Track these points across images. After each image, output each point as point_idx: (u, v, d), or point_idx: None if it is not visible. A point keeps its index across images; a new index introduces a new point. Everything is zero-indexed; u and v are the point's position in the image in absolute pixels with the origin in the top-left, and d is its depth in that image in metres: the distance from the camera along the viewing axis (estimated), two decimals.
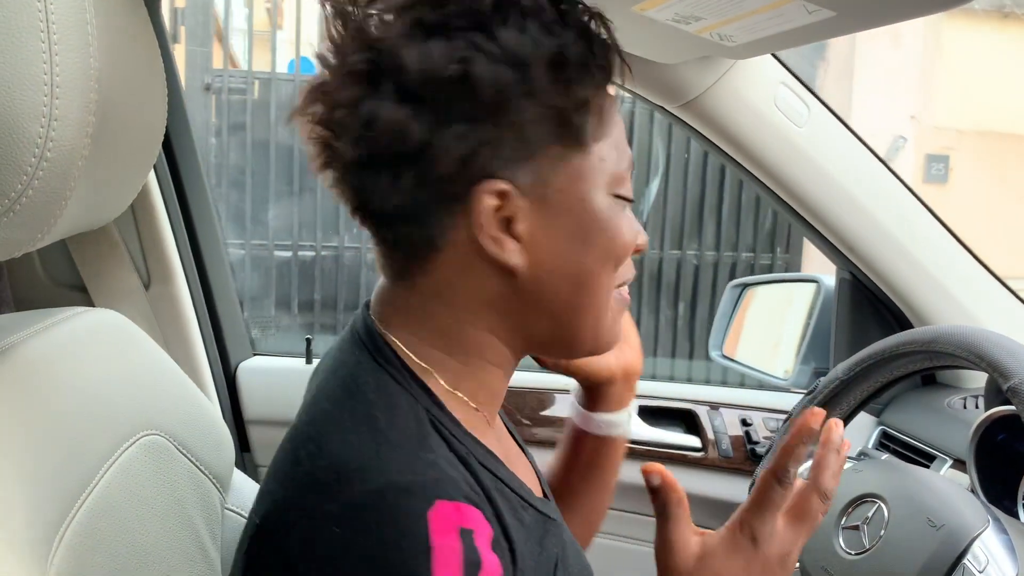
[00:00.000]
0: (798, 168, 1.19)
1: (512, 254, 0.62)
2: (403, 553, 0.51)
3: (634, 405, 0.91)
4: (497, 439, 0.70)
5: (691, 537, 0.66)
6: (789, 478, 0.65)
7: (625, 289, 0.71)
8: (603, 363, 0.83)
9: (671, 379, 3.60)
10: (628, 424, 0.88)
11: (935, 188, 6.01)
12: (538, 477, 0.78)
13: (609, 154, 0.64)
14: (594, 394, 0.86)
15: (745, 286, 1.69)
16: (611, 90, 0.65)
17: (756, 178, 1.25)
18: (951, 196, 5.71)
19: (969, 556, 0.77)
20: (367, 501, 0.53)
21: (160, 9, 1.10)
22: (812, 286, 1.54)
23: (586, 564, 0.73)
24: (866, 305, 1.35)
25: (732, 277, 4.79)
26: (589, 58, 0.62)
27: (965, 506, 0.82)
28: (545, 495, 0.75)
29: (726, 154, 1.23)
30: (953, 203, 5.31)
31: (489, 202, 0.60)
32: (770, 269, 4.81)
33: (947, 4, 0.71)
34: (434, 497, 0.53)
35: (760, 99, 1.14)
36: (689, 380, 4.50)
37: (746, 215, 4.78)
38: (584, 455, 0.88)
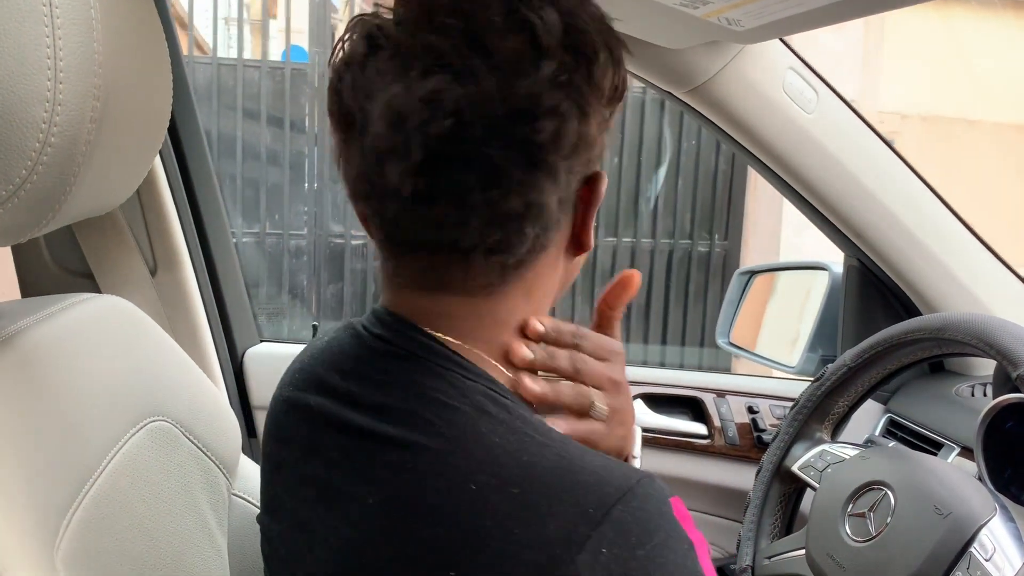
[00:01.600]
0: (806, 154, 1.18)
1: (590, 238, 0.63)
2: (678, 555, 0.49)
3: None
4: None
5: None
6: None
7: None
8: None
9: None
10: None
11: None
12: None
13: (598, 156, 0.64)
14: None
15: (752, 273, 1.68)
16: None
17: (763, 164, 1.24)
18: None
19: (976, 544, 0.77)
20: (625, 509, 0.49)
21: None
22: (820, 273, 1.53)
23: None
24: (874, 292, 1.35)
25: (669, 264, 4.76)
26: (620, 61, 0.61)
27: (972, 494, 0.81)
28: None
29: (733, 140, 1.22)
30: None
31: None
32: (708, 256, 4.76)
33: None
34: (663, 489, 0.52)
35: (768, 84, 1.13)
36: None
37: (683, 202, 4.74)
38: None
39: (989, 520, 0.78)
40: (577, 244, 0.63)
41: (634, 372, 1.57)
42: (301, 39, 4.83)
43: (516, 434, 0.53)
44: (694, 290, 4.82)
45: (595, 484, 0.49)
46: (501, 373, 0.60)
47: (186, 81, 1.25)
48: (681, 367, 4.41)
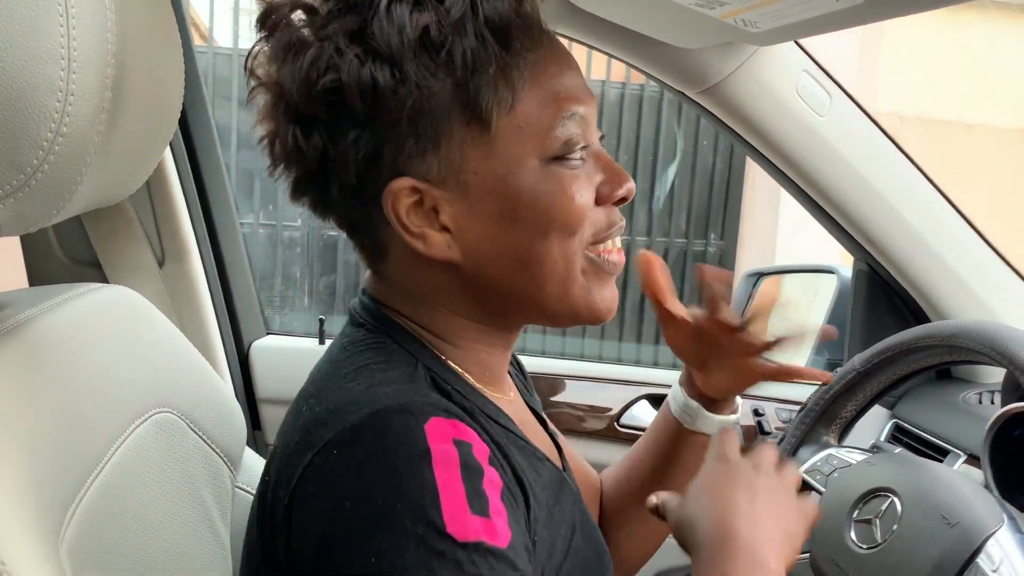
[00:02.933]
0: (818, 157, 1.18)
1: (440, 247, 0.62)
2: (402, 457, 0.52)
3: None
4: (513, 406, 0.71)
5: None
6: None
7: (609, 248, 0.66)
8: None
9: (600, 359, 3.53)
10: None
11: None
12: (559, 451, 0.78)
13: (531, 118, 0.60)
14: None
15: (760, 275, 1.68)
16: (526, 45, 0.61)
17: (774, 166, 1.23)
18: None
19: (983, 555, 0.76)
20: (362, 423, 0.55)
21: None
22: (829, 276, 1.52)
23: (602, 544, 0.73)
24: (883, 297, 1.34)
25: (665, 263, 4.72)
26: (469, 24, 0.58)
27: (980, 503, 0.81)
28: (563, 468, 0.75)
29: (745, 141, 1.22)
30: None
31: (405, 200, 0.60)
32: (703, 256, 4.73)
33: None
34: (429, 414, 0.54)
35: (782, 86, 1.13)
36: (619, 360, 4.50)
37: (680, 201, 4.71)
38: (689, 454, 0.86)
39: (997, 530, 0.77)
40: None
41: (638, 372, 1.57)
42: None
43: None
44: (690, 289, 4.80)
45: (346, 410, 0.57)
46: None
47: (197, 72, 1.24)
48: (674, 367, 4.40)
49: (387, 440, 0.53)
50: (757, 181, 4.77)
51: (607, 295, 0.67)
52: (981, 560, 0.76)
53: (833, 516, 0.90)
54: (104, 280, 1.16)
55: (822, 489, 0.99)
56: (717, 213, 4.76)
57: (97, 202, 0.71)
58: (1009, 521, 0.79)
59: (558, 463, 0.74)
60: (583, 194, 0.63)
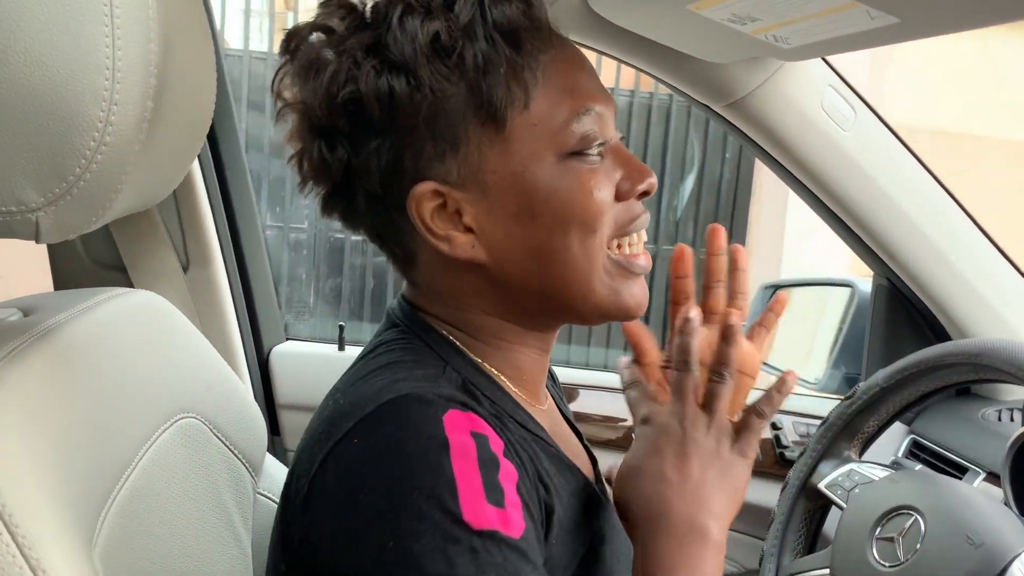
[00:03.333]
0: (842, 172, 1.17)
1: (465, 248, 0.63)
2: (421, 447, 0.54)
3: None
4: (547, 415, 0.71)
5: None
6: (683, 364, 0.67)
7: (635, 250, 0.67)
8: None
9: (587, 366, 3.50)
10: None
11: None
12: (593, 466, 0.78)
13: (545, 116, 0.62)
14: None
15: (777, 288, 1.67)
16: (536, 46, 0.62)
17: (797, 180, 1.23)
18: None
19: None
20: (382, 412, 0.56)
21: None
22: (846, 291, 1.52)
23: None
24: (902, 313, 1.34)
25: (652, 269, 4.68)
26: (478, 28, 0.60)
27: (1005, 524, 0.81)
28: (597, 481, 0.75)
29: (768, 155, 1.22)
30: None
31: (429, 204, 0.62)
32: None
33: (1013, 16, 0.70)
34: (447, 407, 0.56)
35: (807, 101, 1.13)
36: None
37: (687, 209, 4.70)
38: None
39: (1022, 552, 0.77)
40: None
41: None
42: None
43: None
44: (697, 299, 4.78)
45: (368, 400, 0.58)
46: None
47: (225, 80, 1.25)
48: None
49: (406, 429, 0.55)
50: (764, 190, 4.76)
51: (636, 291, 0.67)
52: None
53: (855, 532, 0.90)
54: (128, 283, 1.17)
55: (843, 504, 0.98)
56: (724, 222, 4.75)
57: (131, 209, 0.71)
58: None
59: (591, 475, 0.74)
60: (602, 189, 0.64)
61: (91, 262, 1.18)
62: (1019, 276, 1.26)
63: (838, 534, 0.94)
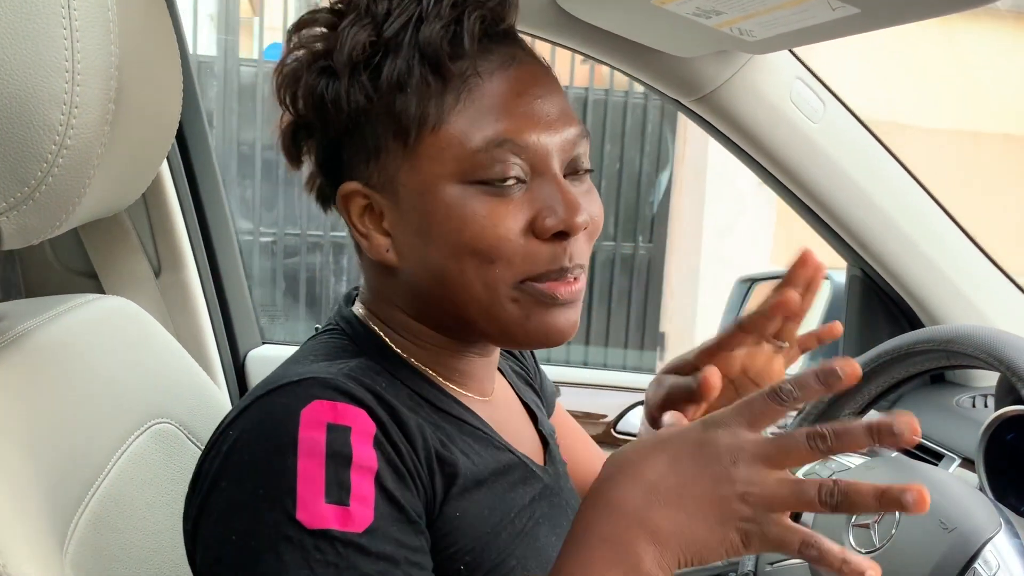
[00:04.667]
0: (812, 163, 1.18)
1: (380, 250, 0.65)
2: (271, 446, 0.57)
3: None
4: (488, 406, 0.72)
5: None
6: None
7: (554, 283, 0.63)
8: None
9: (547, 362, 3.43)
10: None
11: None
12: (545, 449, 0.78)
13: (457, 139, 0.61)
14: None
15: (753, 281, 1.69)
16: (464, 70, 0.61)
17: (768, 172, 1.24)
18: None
19: (980, 560, 0.76)
20: (254, 406, 0.60)
21: None
22: (822, 282, 1.53)
23: None
24: (876, 302, 1.35)
25: (592, 266, 4.66)
26: (403, 46, 0.61)
27: (978, 508, 0.81)
28: (545, 464, 0.76)
29: (739, 148, 1.23)
30: None
31: (357, 202, 0.65)
32: (632, 259, 4.72)
33: (968, 3, 0.71)
34: (311, 397, 0.58)
35: (776, 94, 1.13)
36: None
37: (607, 203, 4.74)
38: None
39: (994, 536, 0.78)
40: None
41: (632, 379, 1.57)
42: (276, 36, 4.77)
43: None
44: (618, 292, 4.80)
45: (258, 388, 0.62)
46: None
47: (193, 83, 1.24)
48: (604, 366, 4.38)
49: (264, 426, 0.58)
50: (685, 185, 4.81)
51: (555, 320, 0.64)
52: (979, 565, 0.76)
53: (831, 520, 0.91)
54: (100, 290, 1.16)
55: None
56: (644, 216, 4.78)
57: (97, 213, 0.71)
58: (1006, 526, 0.79)
59: (539, 460, 0.75)
60: (507, 222, 0.61)
61: (62, 268, 1.17)
62: (989, 263, 1.28)
63: (815, 523, 0.95)
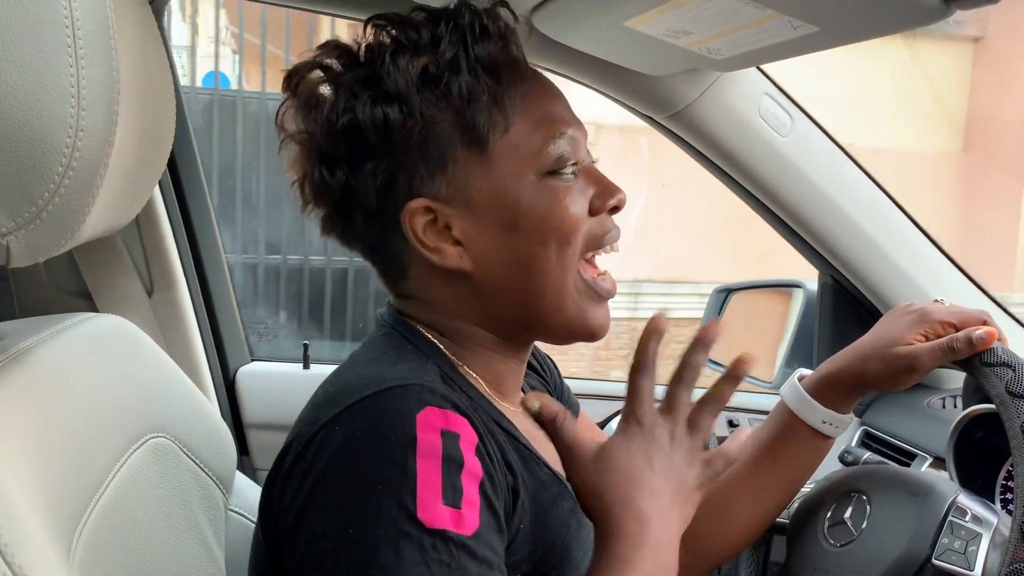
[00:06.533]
0: (782, 176, 1.22)
1: (454, 258, 0.70)
2: (390, 444, 0.58)
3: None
4: (521, 416, 0.75)
5: (588, 442, 0.68)
6: (650, 369, 0.68)
7: (597, 273, 0.74)
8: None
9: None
10: (843, 430, 0.88)
11: None
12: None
13: (524, 139, 0.69)
14: (829, 388, 0.87)
15: (729, 291, 1.72)
16: (514, 78, 0.70)
17: (741, 186, 1.28)
18: None
19: (953, 512, 0.80)
20: (363, 404, 0.61)
21: (164, 22, 1.12)
22: (795, 290, 1.57)
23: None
24: (848, 308, 1.38)
25: (344, 284, 4.44)
26: (462, 62, 0.68)
27: (938, 479, 0.86)
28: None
29: (712, 163, 1.26)
30: None
31: (420, 219, 0.69)
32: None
33: (922, 21, 0.75)
34: (424, 403, 0.60)
35: (745, 109, 1.17)
36: None
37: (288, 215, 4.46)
38: (791, 447, 0.88)
39: (957, 495, 0.82)
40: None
41: (615, 388, 1.60)
42: (209, 64, 4.78)
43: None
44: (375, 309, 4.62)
45: (354, 390, 0.63)
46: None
47: (184, 109, 1.27)
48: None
49: (381, 425, 0.59)
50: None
51: (600, 314, 0.74)
52: (953, 517, 0.79)
53: (807, 531, 0.92)
54: (93, 309, 1.18)
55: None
56: None
57: (96, 234, 0.73)
58: (964, 491, 0.83)
59: (563, 473, 0.77)
60: (577, 204, 0.71)
61: (55, 289, 1.19)
62: (955, 268, 1.32)
63: (790, 540, 0.95)
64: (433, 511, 0.56)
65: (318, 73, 0.71)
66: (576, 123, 0.73)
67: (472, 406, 0.67)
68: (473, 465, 0.60)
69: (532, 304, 0.72)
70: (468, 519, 0.58)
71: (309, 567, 0.59)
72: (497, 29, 0.70)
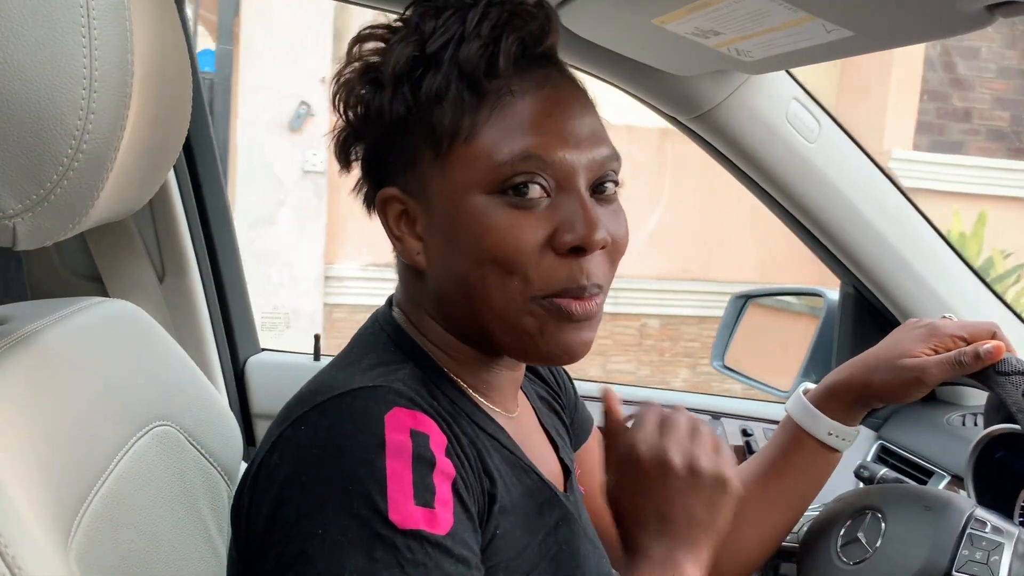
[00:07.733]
0: (807, 182, 1.20)
1: (411, 253, 0.68)
2: (359, 444, 0.58)
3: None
4: (514, 423, 0.73)
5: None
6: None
7: (569, 300, 0.65)
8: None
9: None
10: (850, 443, 0.88)
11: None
12: (566, 474, 0.80)
13: (487, 151, 0.63)
14: (834, 399, 0.87)
15: (748, 297, 1.70)
16: (498, 88, 0.64)
17: (764, 191, 1.26)
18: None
19: (972, 524, 0.79)
20: (330, 403, 0.61)
21: (184, 4, 1.11)
22: (815, 300, 1.55)
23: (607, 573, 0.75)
24: (869, 320, 1.37)
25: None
26: (443, 61, 0.64)
27: (952, 494, 0.85)
28: (567, 490, 0.77)
29: (735, 167, 1.24)
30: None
31: (394, 206, 0.68)
32: None
33: (962, 29, 0.72)
34: (392, 404, 0.60)
35: (772, 114, 1.15)
36: None
37: None
38: (798, 461, 0.88)
39: (975, 508, 0.81)
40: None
41: (629, 392, 1.58)
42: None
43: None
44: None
45: (324, 390, 0.63)
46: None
47: (201, 92, 1.26)
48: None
49: (348, 424, 0.59)
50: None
51: (567, 339, 0.65)
52: (972, 528, 0.78)
53: (820, 551, 0.90)
54: (104, 293, 1.18)
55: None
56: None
57: (107, 218, 0.72)
58: (980, 506, 0.82)
59: (560, 486, 0.77)
60: (527, 234, 0.63)
61: (67, 272, 1.19)
62: (980, 282, 1.30)
63: (801, 558, 0.94)
64: (405, 511, 0.56)
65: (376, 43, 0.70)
66: (577, 147, 0.64)
67: (454, 411, 0.66)
68: (444, 465, 0.59)
69: (482, 323, 0.66)
70: (442, 518, 0.57)
71: (281, 573, 0.58)
72: (497, 28, 0.64)
